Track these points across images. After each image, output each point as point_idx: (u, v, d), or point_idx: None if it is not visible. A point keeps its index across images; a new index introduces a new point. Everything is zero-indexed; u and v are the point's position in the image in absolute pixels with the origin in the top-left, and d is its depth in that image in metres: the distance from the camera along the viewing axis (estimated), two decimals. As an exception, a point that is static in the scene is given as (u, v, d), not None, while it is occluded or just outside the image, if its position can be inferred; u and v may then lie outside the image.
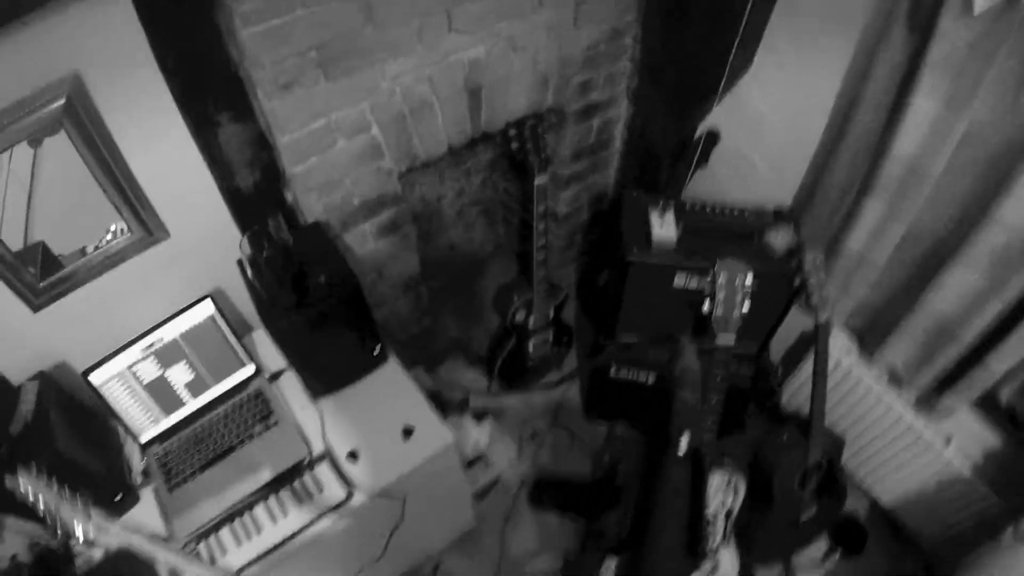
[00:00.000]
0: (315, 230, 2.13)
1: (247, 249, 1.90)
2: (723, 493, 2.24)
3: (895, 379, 2.45)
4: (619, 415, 2.86)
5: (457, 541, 2.76)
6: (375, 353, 2.17)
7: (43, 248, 1.85)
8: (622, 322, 2.57)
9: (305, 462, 2.01)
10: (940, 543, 2.54)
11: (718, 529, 2.30)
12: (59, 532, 0.98)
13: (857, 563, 2.67)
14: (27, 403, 1.96)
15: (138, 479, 2.09)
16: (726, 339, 1.87)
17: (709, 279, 1.86)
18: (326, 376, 2.14)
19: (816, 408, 2.18)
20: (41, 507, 0.98)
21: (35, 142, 1.64)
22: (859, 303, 2.48)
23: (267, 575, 1.93)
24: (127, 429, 2.06)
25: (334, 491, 1.94)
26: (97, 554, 2.02)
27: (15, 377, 1.99)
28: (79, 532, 0.95)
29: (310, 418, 2.11)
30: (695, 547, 2.14)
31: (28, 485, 1.00)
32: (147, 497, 2.06)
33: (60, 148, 1.67)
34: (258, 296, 1.97)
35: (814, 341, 2.10)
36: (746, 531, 2.40)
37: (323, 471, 1.99)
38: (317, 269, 1.95)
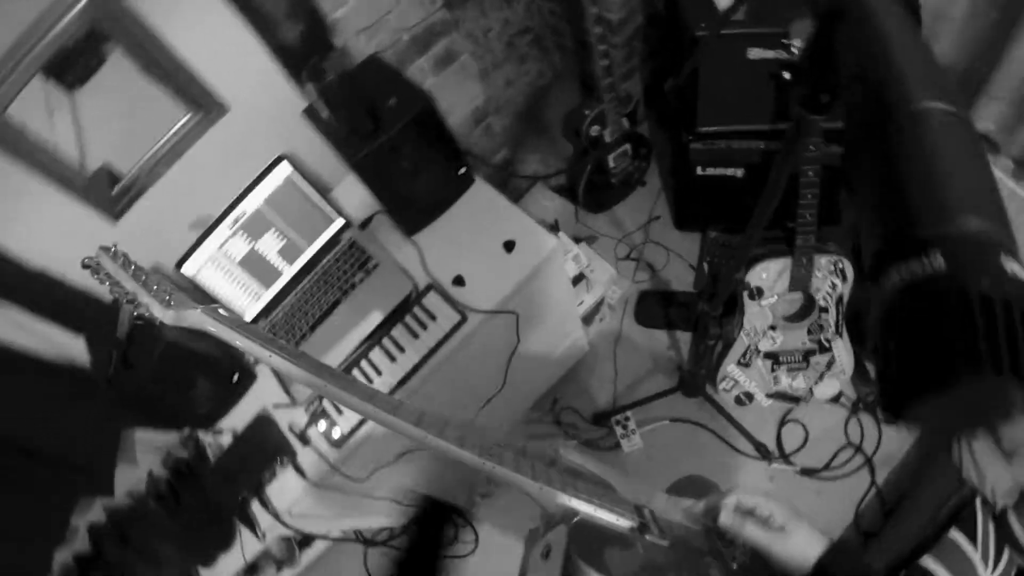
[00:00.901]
0: (373, 62, 2.04)
1: (311, 89, 1.83)
2: (831, 278, 2.16)
3: (990, 146, 2.29)
4: (711, 219, 2.77)
5: (572, 371, 2.77)
6: (461, 174, 2.09)
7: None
8: (701, 112, 2.43)
9: (412, 297, 1.97)
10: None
11: (831, 317, 2.23)
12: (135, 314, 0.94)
13: None
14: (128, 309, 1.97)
15: (252, 358, 2.10)
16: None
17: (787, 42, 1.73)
18: (416, 208, 2.08)
19: None
20: (119, 292, 0.93)
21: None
22: (942, 64, 2.29)
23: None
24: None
25: (447, 317, 1.91)
26: (225, 439, 2.06)
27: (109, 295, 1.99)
28: (158, 315, 0.90)
29: (409, 255, 2.07)
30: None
31: (106, 268, 0.96)
32: (264, 372, 2.07)
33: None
34: (334, 134, 1.90)
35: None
36: (858, 319, 2.34)
37: (432, 302, 1.95)
38: (385, 94, 1.87)
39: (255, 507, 1.99)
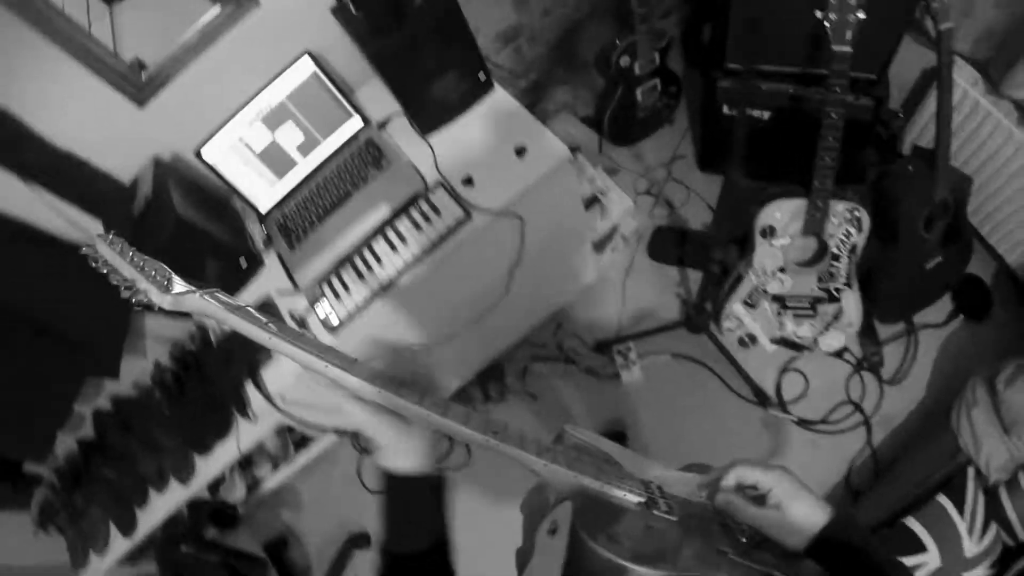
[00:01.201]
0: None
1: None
2: (846, 225, 2.14)
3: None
4: (735, 163, 2.74)
5: (578, 298, 2.81)
6: (481, 80, 2.09)
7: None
8: (730, 49, 2.41)
9: (421, 194, 1.98)
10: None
11: (842, 266, 2.21)
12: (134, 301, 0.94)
13: (980, 329, 2.55)
14: (144, 185, 2.00)
15: (261, 246, 2.13)
16: (842, 50, 1.74)
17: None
18: (433, 108, 2.08)
19: (942, 133, 2.02)
20: (118, 280, 0.94)
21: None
22: (984, 27, 2.24)
23: (396, 313, 1.96)
24: (246, 202, 2.10)
25: (452, 213, 1.92)
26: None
27: (130, 175, 2.07)
28: (156, 300, 0.91)
29: (423, 154, 2.08)
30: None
31: (104, 255, 0.96)
32: (271, 261, 2.10)
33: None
34: (359, 31, 1.91)
35: (937, 53, 1.91)
36: (870, 279, 2.32)
37: (440, 199, 1.96)
38: (410, -6, 1.88)
39: (249, 389, 2.02)
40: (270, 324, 0.89)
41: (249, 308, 0.91)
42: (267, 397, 1.97)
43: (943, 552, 2.03)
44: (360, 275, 1.92)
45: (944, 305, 2.58)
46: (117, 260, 0.92)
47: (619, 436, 2.67)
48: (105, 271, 0.93)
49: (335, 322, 1.90)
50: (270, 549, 3.00)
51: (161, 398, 2.50)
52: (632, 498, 0.95)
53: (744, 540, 0.98)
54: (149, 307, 0.90)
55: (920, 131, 2.55)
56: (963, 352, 2.52)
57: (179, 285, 0.90)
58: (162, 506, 2.34)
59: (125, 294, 0.91)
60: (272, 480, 2.83)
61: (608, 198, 2.56)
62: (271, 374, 1.99)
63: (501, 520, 1.12)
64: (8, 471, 2.55)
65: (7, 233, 2.08)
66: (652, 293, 2.84)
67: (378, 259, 1.92)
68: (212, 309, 0.89)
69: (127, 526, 2.55)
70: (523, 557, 1.33)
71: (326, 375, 0.91)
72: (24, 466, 2.64)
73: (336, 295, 1.92)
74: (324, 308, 1.92)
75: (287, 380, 1.98)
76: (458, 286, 2.11)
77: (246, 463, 2.78)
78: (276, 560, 3.01)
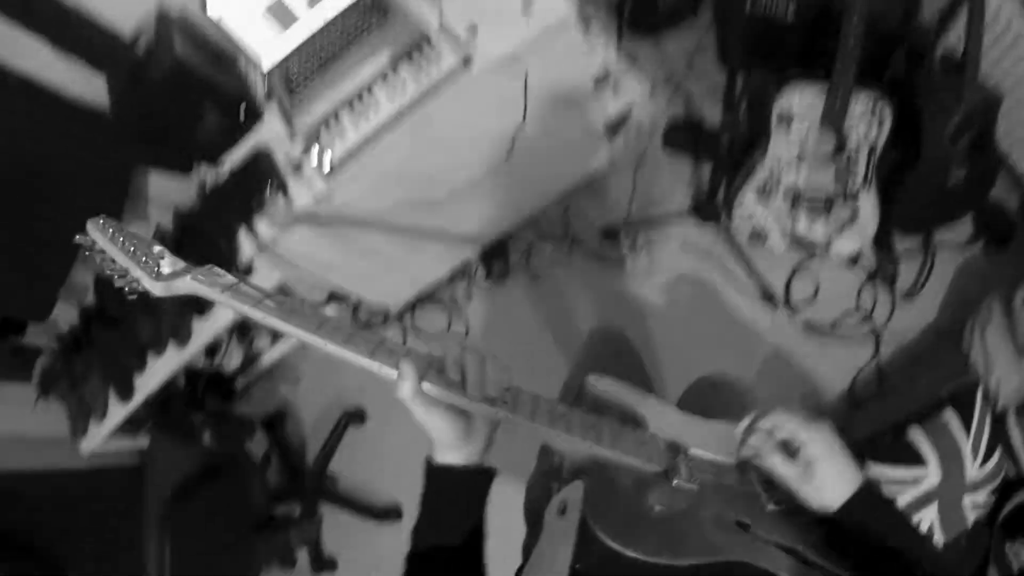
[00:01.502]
0: None
1: None
2: (866, 122, 2.07)
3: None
4: (756, 60, 2.67)
5: (588, 183, 2.78)
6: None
7: None
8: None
9: (422, 40, 1.92)
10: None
11: (860, 165, 2.14)
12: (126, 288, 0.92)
13: (1001, 257, 2.46)
14: (147, 35, 1.98)
15: (262, 98, 2.10)
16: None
17: None
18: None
19: (972, 41, 1.95)
20: (111, 268, 0.92)
21: None
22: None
23: (394, 160, 1.93)
24: (248, 55, 2.06)
25: (453, 60, 1.86)
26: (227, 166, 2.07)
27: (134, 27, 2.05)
28: (148, 287, 0.88)
29: (426, 4, 1.99)
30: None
31: (97, 241, 0.94)
32: (272, 113, 2.07)
33: None
34: None
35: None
36: (889, 187, 2.25)
37: (441, 46, 1.89)
38: None
39: (243, 237, 1.99)
40: (267, 301, 0.86)
41: (244, 285, 0.88)
42: (260, 244, 1.95)
43: (944, 469, 1.97)
44: (358, 119, 1.88)
45: (965, 228, 2.49)
46: (110, 246, 0.92)
47: None
48: (98, 260, 0.93)
49: (329, 165, 1.86)
50: (268, 423, 3.02)
51: (160, 260, 2.49)
52: (651, 467, 0.92)
53: (770, 508, 0.96)
54: (144, 296, 0.91)
55: (953, 44, 2.45)
56: (980, 277, 2.44)
57: (169, 265, 0.89)
58: (160, 369, 2.34)
59: (119, 283, 0.91)
60: (271, 353, 2.84)
61: (623, 80, 2.49)
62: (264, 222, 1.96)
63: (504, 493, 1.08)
64: (10, 342, 2.57)
65: (11, 87, 2.06)
66: (664, 183, 2.79)
67: (377, 104, 1.88)
68: (205, 291, 0.87)
69: (125, 391, 2.58)
70: (532, 494, 1.33)
71: (325, 351, 0.85)
72: (26, 336, 2.66)
73: (333, 138, 1.88)
74: (320, 150, 1.88)
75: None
76: (458, 141, 2.07)
77: (244, 332, 2.78)
78: (273, 434, 3.03)
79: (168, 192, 2.47)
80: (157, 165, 2.33)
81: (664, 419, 1.01)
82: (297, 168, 1.90)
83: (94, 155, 2.25)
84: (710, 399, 1.58)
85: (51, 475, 2.72)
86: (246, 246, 1.98)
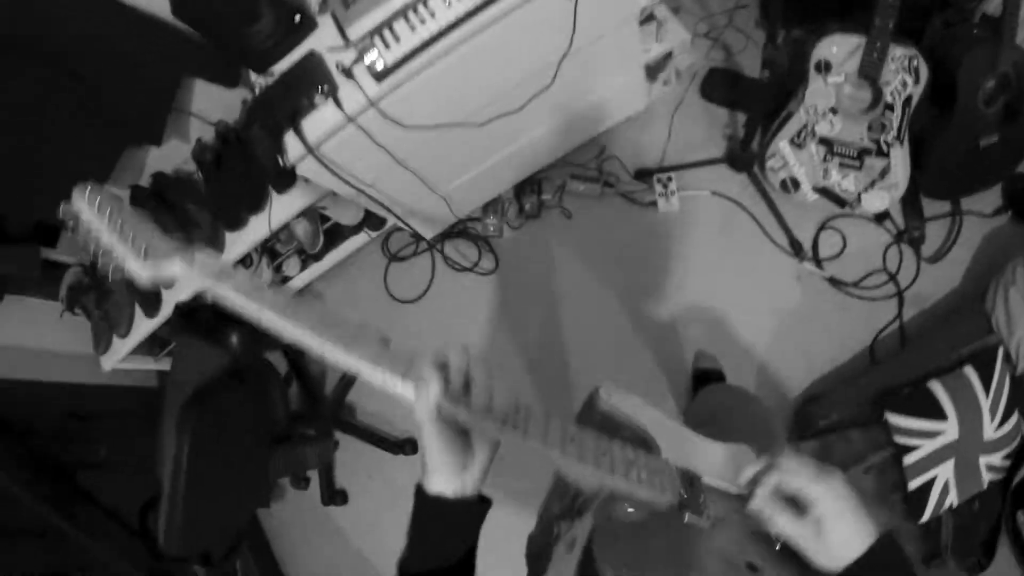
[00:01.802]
0: None
1: None
2: (903, 74, 2.10)
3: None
4: (797, 16, 2.69)
5: (624, 125, 2.81)
6: None
7: None
8: None
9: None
10: None
11: (894, 120, 2.17)
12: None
13: None
14: None
15: (315, 8, 2.12)
16: None
17: None
18: None
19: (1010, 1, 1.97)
20: (95, 246, 0.86)
21: None
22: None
23: (443, 71, 1.96)
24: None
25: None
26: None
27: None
28: (134, 268, 0.83)
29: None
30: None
31: (82, 213, 0.87)
32: (325, 21, 2.09)
33: None
34: None
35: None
36: (921, 148, 2.28)
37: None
38: None
39: (289, 139, 2.02)
40: (265, 290, 0.82)
41: (234, 270, 0.84)
42: (306, 145, 1.97)
43: (962, 426, 2.01)
44: (410, 29, 1.90)
45: (994, 198, 2.52)
46: (95, 221, 0.85)
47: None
48: (81, 238, 0.87)
49: (381, 67, 1.89)
50: (289, 352, 3.06)
51: (199, 174, 2.54)
52: (664, 499, 0.86)
53: (778, 547, 0.90)
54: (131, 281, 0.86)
55: (993, 6, 2.47)
56: (1006, 249, 2.46)
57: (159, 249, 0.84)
58: (187, 285, 2.37)
59: (102, 261, 0.86)
60: (299, 278, 2.86)
61: (666, 25, 2.52)
62: (311, 122, 1.99)
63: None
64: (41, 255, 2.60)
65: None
66: (699, 130, 2.83)
67: (431, 15, 1.90)
68: (195, 275, 0.84)
69: (151, 306, 2.61)
70: (534, 546, 1.27)
71: (322, 352, 0.79)
72: (55, 251, 2.69)
73: (386, 44, 1.91)
74: (372, 56, 1.90)
75: (328, 125, 1.98)
76: (505, 62, 2.10)
77: (274, 255, 2.81)
78: (294, 364, 3.07)
79: (210, 110, 2.52)
80: (205, 73, 2.37)
81: (678, 441, 0.95)
82: (348, 74, 1.92)
83: (145, 52, 2.26)
84: (718, 412, 1.44)
85: (71, 387, 2.77)
86: (292, 149, 2.00)
